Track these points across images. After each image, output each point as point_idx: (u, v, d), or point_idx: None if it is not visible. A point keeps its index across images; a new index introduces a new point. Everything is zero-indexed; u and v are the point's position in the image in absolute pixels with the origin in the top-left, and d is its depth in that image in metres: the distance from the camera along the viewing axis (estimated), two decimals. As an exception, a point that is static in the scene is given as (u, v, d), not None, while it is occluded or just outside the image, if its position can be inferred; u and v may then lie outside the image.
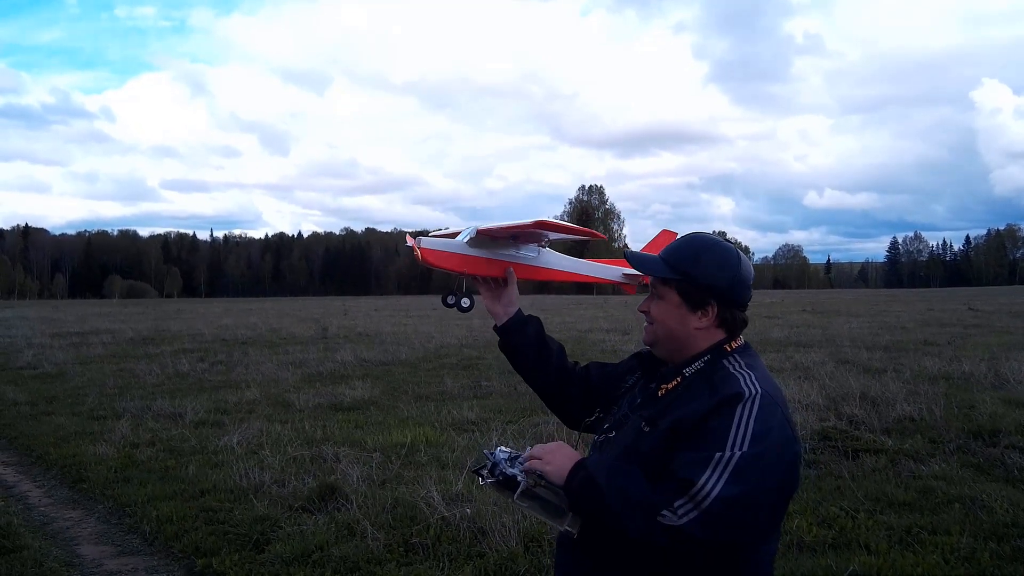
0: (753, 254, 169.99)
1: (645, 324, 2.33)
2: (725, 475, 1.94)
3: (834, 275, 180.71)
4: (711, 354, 2.21)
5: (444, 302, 3.73)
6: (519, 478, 2.11)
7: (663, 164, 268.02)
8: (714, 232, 2.51)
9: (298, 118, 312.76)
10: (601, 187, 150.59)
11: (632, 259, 2.40)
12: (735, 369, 2.15)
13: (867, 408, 9.58)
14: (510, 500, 2.15)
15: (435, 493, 6.17)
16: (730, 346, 2.23)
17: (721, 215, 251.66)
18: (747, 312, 2.30)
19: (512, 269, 2.93)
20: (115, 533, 6.31)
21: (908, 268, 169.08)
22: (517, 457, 2.16)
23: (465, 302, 3.64)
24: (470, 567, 5.21)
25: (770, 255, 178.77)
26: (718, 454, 1.96)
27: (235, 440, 8.76)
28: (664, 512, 1.94)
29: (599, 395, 2.54)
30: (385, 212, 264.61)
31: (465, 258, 3.24)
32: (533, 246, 3.36)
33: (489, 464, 2.17)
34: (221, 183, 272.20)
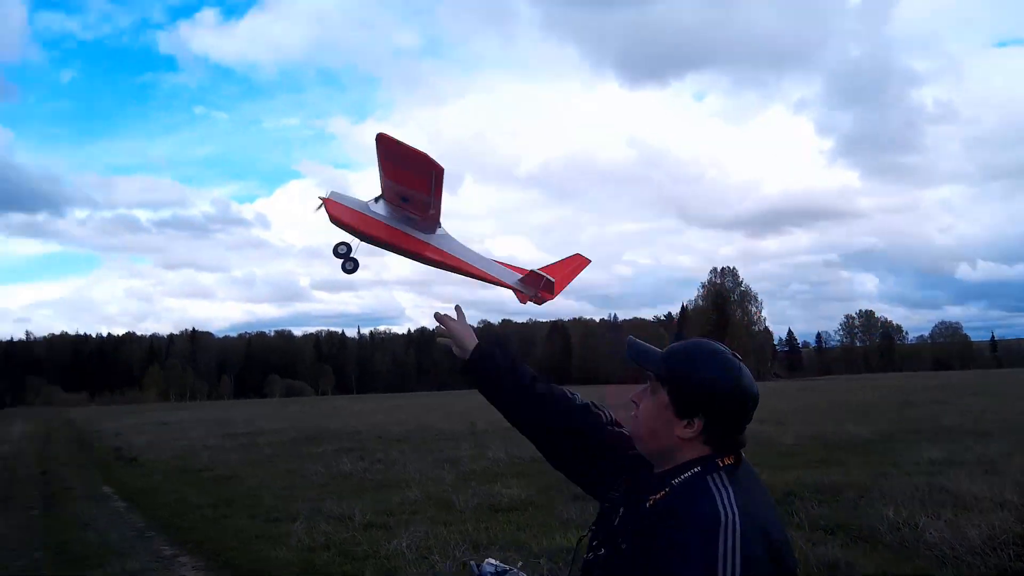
0: (907, 333, 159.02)
1: (632, 414, 2.20)
2: None
3: (1001, 352, 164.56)
4: (700, 466, 2.05)
5: (335, 252, 4.00)
6: None
7: (797, 242, 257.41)
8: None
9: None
10: (734, 268, 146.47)
11: (633, 348, 2.24)
12: (716, 486, 1.99)
13: (1077, 505, 8.62)
14: None
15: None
16: (723, 461, 2.06)
17: (866, 292, 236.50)
18: (748, 429, 2.12)
19: (459, 306, 2.91)
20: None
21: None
22: (505, 572, 2.12)
23: (349, 265, 3.95)
24: None
25: (926, 333, 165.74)
26: None
27: (404, 544, 8.95)
28: None
29: (601, 445, 2.44)
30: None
31: (365, 218, 3.48)
32: (434, 225, 3.56)
33: None
34: (365, 281, 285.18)
